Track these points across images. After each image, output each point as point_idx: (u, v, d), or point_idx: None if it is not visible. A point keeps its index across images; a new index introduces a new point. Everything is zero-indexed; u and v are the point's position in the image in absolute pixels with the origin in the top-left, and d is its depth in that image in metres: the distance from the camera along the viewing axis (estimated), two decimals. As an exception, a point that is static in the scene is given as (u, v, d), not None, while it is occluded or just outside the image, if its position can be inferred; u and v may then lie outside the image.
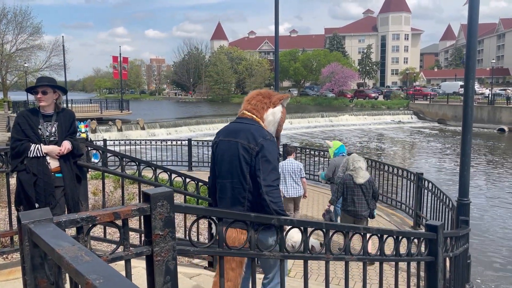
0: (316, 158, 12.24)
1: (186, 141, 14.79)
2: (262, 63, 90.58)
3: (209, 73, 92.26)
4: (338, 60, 75.00)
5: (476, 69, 5.90)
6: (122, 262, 1.77)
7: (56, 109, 3.82)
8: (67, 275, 1.22)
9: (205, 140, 16.50)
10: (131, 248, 1.77)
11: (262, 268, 3.02)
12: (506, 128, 35.75)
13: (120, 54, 41.16)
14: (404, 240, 3.16)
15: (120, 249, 1.78)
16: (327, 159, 10.91)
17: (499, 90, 55.25)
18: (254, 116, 2.92)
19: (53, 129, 3.75)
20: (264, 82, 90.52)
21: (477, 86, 60.55)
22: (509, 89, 54.08)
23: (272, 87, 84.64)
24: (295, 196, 7.65)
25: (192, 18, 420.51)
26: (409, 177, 8.77)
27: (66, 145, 3.71)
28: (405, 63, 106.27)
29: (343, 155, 7.68)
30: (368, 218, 6.42)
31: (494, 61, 72.33)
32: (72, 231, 3.49)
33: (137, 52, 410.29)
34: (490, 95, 40.93)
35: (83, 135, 13.29)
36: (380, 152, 26.64)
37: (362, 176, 6.23)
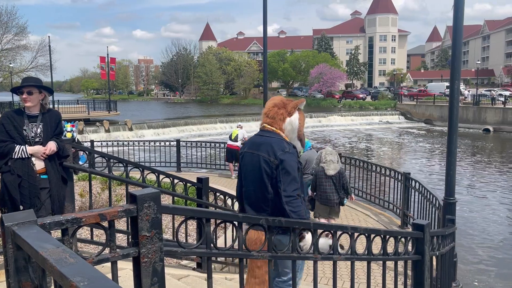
0: None
1: (175, 142, 14.73)
2: (251, 64, 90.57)
3: (197, 74, 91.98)
4: (326, 61, 75.37)
5: (461, 70, 5.98)
6: (110, 264, 1.75)
7: (42, 110, 3.77)
8: (52, 277, 1.21)
9: (194, 141, 16.46)
10: (117, 250, 1.75)
11: (280, 270, 3.08)
12: (491, 128, 36.29)
13: (107, 54, 40.81)
14: (392, 239, 3.18)
15: (107, 251, 1.76)
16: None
17: (485, 90, 56.04)
18: (274, 128, 3.11)
19: (39, 130, 3.69)
20: (253, 83, 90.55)
21: (462, 87, 61.35)
22: (494, 90, 54.90)
23: (261, 87, 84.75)
24: None
25: (180, 18, 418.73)
26: (396, 177, 8.85)
27: (51, 146, 3.66)
28: (392, 64, 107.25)
29: (310, 149, 8.30)
30: (340, 206, 7.10)
31: (479, 62, 73.49)
32: (58, 233, 3.46)
33: (124, 52, 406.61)
34: (475, 96, 41.50)
35: (69, 135, 13.13)
36: (369, 152, 26.84)
37: (333, 168, 6.78)
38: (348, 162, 10.76)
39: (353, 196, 7.67)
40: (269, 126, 3.13)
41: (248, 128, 31.92)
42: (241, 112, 51.86)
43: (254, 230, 2.50)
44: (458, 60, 5.68)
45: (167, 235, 6.30)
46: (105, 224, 1.75)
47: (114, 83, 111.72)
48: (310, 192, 7.29)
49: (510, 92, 54.48)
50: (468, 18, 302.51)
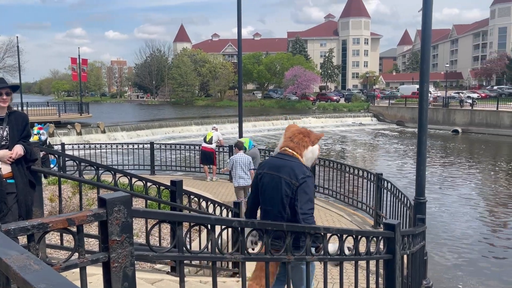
0: None
1: (149, 145, 14.54)
2: (226, 66, 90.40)
3: (172, 75, 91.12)
4: (301, 64, 76.03)
5: (431, 73, 6.13)
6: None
7: (8, 112, 3.65)
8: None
9: (168, 143, 16.29)
10: (86, 255, 1.71)
11: (292, 280, 3.15)
12: (459, 130, 37.42)
13: (79, 55, 39.92)
14: (364, 239, 3.24)
15: (75, 256, 1.72)
16: None
17: (454, 93, 57.75)
18: (295, 153, 3.34)
19: (5, 133, 3.58)
20: (228, 84, 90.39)
21: (432, 89, 63.00)
22: (462, 93, 56.63)
23: (236, 89, 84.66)
24: (244, 185, 8.90)
25: (153, 19, 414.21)
26: (369, 177, 9.00)
27: (18, 150, 3.55)
28: (365, 67, 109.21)
29: (254, 146, 9.69)
30: None
31: (448, 65, 75.46)
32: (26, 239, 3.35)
33: (97, 53, 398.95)
34: (444, 98, 42.71)
35: (35, 138, 12.75)
36: (344, 154, 27.21)
37: None
38: (322, 163, 10.87)
39: None
40: (290, 150, 3.36)
41: (224, 130, 31.94)
42: (216, 114, 51.68)
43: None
44: (427, 63, 5.84)
45: (141, 239, 6.21)
46: (74, 229, 1.71)
47: (86, 85, 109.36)
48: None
49: (478, 95, 56.35)
50: (437, 22, 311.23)
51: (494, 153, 26.71)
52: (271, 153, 10.86)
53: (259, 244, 2.93)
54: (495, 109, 36.18)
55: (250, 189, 8.71)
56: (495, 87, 69.94)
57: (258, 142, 31.04)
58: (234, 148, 9.61)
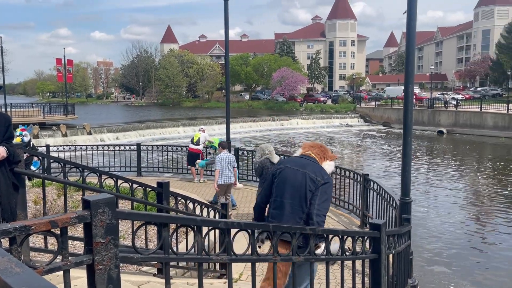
0: None
1: (135, 146, 14.44)
2: (214, 67, 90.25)
3: (159, 76, 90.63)
4: (288, 65, 76.28)
5: (417, 75, 6.21)
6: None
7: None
8: None
9: (155, 145, 16.19)
10: (70, 258, 1.70)
11: (298, 280, 3.24)
12: (444, 130, 37.94)
13: (64, 56, 39.45)
14: (350, 239, 3.26)
15: (59, 259, 1.71)
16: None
17: (439, 94, 58.51)
18: (317, 159, 3.64)
19: (-13, 135, 3.52)
20: (215, 86, 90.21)
21: (418, 91, 63.74)
22: (447, 94, 57.41)
23: (223, 90, 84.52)
24: (229, 182, 9.47)
25: (140, 20, 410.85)
26: (355, 178, 9.07)
27: (0, 152, 3.50)
28: (352, 69, 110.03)
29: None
30: None
31: (433, 67, 76.58)
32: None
33: (82, 54, 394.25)
34: (429, 99, 43.26)
35: (18, 140, 12.55)
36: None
37: (276, 157, 8.14)
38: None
39: None
40: (313, 156, 3.64)
41: (211, 132, 31.84)
42: (204, 115, 51.54)
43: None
44: (412, 65, 5.91)
45: (127, 241, 6.16)
46: (58, 231, 1.69)
47: (71, 86, 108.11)
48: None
49: (462, 96, 57.20)
50: (422, 24, 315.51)
51: (478, 154, 27.14)
52: (253, 153, 11.00)
53: (266, 242, 3.11)
54: (479, 110, 36.79)
55: (231, 185, 9.47)
56: (478, 89, 71.12)
57: (246, 144, 31.02)
58: (218, 147, 9.97)
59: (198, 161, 12.43)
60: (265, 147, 8.25)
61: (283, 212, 3.38)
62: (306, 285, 3.50)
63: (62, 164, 4.11)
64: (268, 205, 3.62)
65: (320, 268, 3.90)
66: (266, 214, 3.67)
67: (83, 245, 5.22)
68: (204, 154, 13.60)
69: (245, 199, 10.79)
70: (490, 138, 33.26)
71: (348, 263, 4.80)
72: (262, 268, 6.35)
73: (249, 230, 2.43)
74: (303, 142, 4.06)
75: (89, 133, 30.12)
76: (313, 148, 3.74)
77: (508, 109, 34.45)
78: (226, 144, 9.94)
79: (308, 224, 3.27)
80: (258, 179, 8.71)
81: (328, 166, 3.71)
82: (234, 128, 35.21)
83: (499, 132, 33.79)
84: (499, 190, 16.58)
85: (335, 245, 3.11)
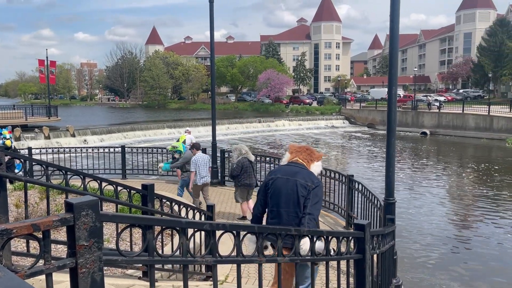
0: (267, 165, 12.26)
1: (120, 148, 14.30)
2: (199, 69, 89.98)
3: (144, 78, 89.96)
4: (274, 67, 76.51)
5: (400, 77, 6.30)
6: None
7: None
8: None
9: (140, 147, 16.06)
10: (52, 261, 1.68)
11: (300, 279, 3.42)
12: (428, 132, 38.50)
13: (46, 57, 38.87)
14: (335, 240, 3.28)
15: (41, 262, 1.68)
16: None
17: (422, 96, 59.36)
18: (305, 164, 3.85)
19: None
20: (201, 87, 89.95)
21: (402, 93, 64.57)
22: (430, 96, 58.25)
23: (209, 92, 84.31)
24: (207, 182, 9.81)
25: (125, 21, 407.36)
26: (341, 179, 9.14)
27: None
28: (337, 70, 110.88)
29: (188, 150, 10.57)
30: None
31: (416, 69, 77.61)
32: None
33: (66, 55, 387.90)
34: (413, 101, 43.87)
35: (8, 143, 12.34)
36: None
37: (252, 155, 8.91)
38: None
39: None
40: (301, 161, 3.87)
41: (197, 133, 31.73)
42: (190, 117, 51.34)
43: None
44: (395, 67, 5.99)
45: (112, 244, 6.10)
46: (39, 235, 1.67)
47: (54, 88, 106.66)
48: None
49: (445, 98, 58.13)
50: (405, 27, 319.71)
51: (461, 155, 27.61)
52: (230, 153, 11.04)
53: (269, 247, 3.31)
54: (461, 112, 37.43)
55: (208, 184, 9.87)
56: (461, 91, 72.38)
57: (232, 146, 30.96)
58: (192, 149, 10.14)
59: (160, 164, 12.33)
60: (241, 147, 8.77)
61: (281, 220, 3.62)
62: (307, 285, 3.67)
63: (44, 166, 4.05)
64: (265, 215, 3.87)
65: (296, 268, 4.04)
66: (264, 223, 3.90)
67: (66, 249, 5.15)
68: (170, 159, 13.31)
69: (228, 200, 10.76)
70: (472, 139, 33.87)
71: (333, 263, 4.83)
72: (248, 269, 6.35)
73: (235, 232, 2.43)
74: (290, 144, 4.23)
75: (73, 135, 29.73)
76: (299, 153, 3.94)
77: (489, 110, 35.15)
78: (199, 145, 10.27)
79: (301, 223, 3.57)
80: (233, 180, 9.23)
81: (316, 167, 3.93)
82: (220, 130, 35.12)
83: (481, 133, 34.43)
84: (481, 190, 16.90)
85: (321, 244, 3.18)
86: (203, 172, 9.63)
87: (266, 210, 3.87)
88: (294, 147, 4.09)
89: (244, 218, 9.29)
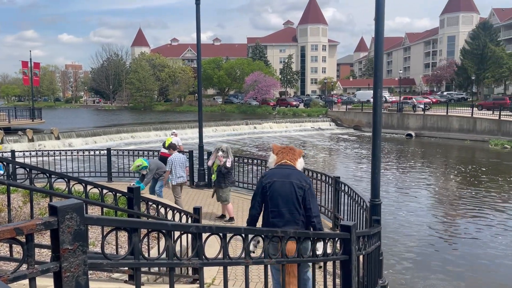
0: (255, 167, 12.25)
1: (105, 151, 14.16)
2: (186, 71, 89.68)
3: (130, 80, 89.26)
4: (261, 69, 76.68)
5: (386, 79, 6.37)
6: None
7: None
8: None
9: (126, 149, 15.92)
10: (36, 266, 1.66)
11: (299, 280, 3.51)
12: (413, 133, 38.97)
13: (30, 59, 38.32)
14: (321, 241, 3.30)
15: (24, 267, 1.66)
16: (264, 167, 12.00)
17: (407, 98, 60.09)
18: (293, 164, 4.28)
19: None
20: (188, 89, 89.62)
21: (387, 95, 65.28)
22: (415, 98, 58.99)
23: (196, 94, 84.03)
24: (182, 182, 9.89)
25: (110, 23, 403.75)
26: (327, 181, 9.19)
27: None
28: (323, 73, 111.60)
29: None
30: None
31: (401, 71, 78.53)
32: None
33: (50, 57, 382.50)
34: (398, 103, 44.38)
35: (0, 147, 12.14)
36: (305, 158, 27.54)
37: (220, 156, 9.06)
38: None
39: None
40: (290, 162, 4.28)
41: (184, 136, 31.58)
42: (176, 119, 51.09)
43: (291, 241, 3.11)
44: (380, 70, 6.06)
45: (97, 248, 6.03)
46: (23, 239, 1.65)
47: (38, 90, 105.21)
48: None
49: (429, 100, 58.94)
50: (390, 30, 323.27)
51: (446, 156, 28.01)
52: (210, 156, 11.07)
53: (259, 247, 3.38)
54: (445, 114, 37.99)
55: (183, 184, 10.07)
56: (445, 93, 73.46)
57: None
58: (168, 149, 10.32)
59: (132, 183, 12.12)
60: (227, 148, 9.15)
61: (283, 219, 4.02)
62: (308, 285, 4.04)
63: (28, 169, 4.00)
64: (261, 215, 4.26)
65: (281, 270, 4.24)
66: (263, 222, 4.24)
67: (50, 253, 5.07)
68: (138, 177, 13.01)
69: (215, 202, 10.69)
70: (456, 141, 34.40)
71: (320, 264, 4.85)
72: (235, 272, 6.35)
73: (221, 234, 2.43)
74: (272, 145, 4.60)
75: (57, 138, 29.31)
76: (285, 154, 4.33)
77: (472, 113, 35.76)
78: (175, 145, 10.56)
79: (309, 225, 4.10)
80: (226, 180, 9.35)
81: (300, 164, 4.38)
82: (207, 132, 35.01)
83: (465, 135, 34.99)
84: (466, 191, 17.16)
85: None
86: (180, 171, 9.74)
87: (262, 210, 4.24)
88: (278, 147, 4.47)
89: (231, 219, 9.32)
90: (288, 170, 4.18)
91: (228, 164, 9.19)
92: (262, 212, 4.24)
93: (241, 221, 9.32)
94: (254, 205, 4.20)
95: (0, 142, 12.43)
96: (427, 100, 56.40)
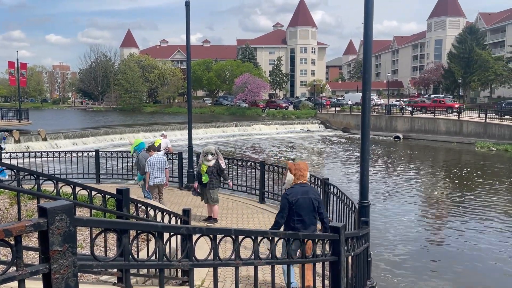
0: (245, 169, 12.23)
1: (94, 152, 14.04)
2: (175, 72, 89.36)
3: (118, 81, 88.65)
4: (250, 71, 76.72)
5: (374, 82, 6.44)
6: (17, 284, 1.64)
7: None
8: None
9: (115, 151, 15.80)
10: (25, 268, 1.65)
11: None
12: (401, 136, 39.36)
13: (17, 59, 37.83)
14: (310, 243, 3.33)
15: (13, 269, 1.65)
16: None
17: (395, 101, 60.65)
18: (306, 180, 5.61)
19: None
20: (177, 91, 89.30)
21: (376, 97, 65.81)
22: (403, 101, 59.57)
23: (185, 96, 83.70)
24: (159, 183, 9.85)
25: (99, 24, 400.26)
26: (316, 182, 9.23)
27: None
28: (312, 75, 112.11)
29: (144, 150, 10.40)
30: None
31: (389, 74, 79.31)
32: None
33: (37, 58, 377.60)
34: (386, 106, 44.80)
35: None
36: (294, 160, 27.66)
37: (211, 159, 9.09)
38: (271, 169, 11.04)
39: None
40: (305, 181, 5.58)
41: (173, 137, 31.45)
42: (165, 121, 50.83)
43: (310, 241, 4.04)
44: (369, 73, 6.12)
45: (86, 250, 5.98)
46: (11, 241, 1.64)
47: (25, 90, 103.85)
48: (196, 184, 9.50)
49: (458, 104, 59.16)
50: (378, 33, 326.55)
51: (433, 158, 28.33)
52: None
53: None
54: (433, 116, 38.43)
55: (162, 187, 10.11)
56: (432, 96, 74.34)
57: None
58: (148, 151, 10.18)
59: (135, 178, 12.07)
60: (215, 149, 9.20)
61: (305, 224, 5.34)
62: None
63: (15, 171, 3.96)
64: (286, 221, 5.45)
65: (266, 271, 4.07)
66: (286, 227, 5.43)
67: (37, 256, 5.01)
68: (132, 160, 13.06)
69: (225, 212, 10.66)
70: (443, 143, 34.81)
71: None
72: (224, 273, 6.34)
73: (211, 235, 2.44)
74: (288, 164, 5.73)
75: (45, 139, 28.98)
76: (300, 174, 5.53)
77: (459, 115, 36.24)
78: (155, 147, 10.62)
79: (324, 226, 5.49)
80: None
81: (308, 174, 5.75)
82: (196, 134, 34.92)
83: (451, 137, 35.43)
84: (453, 193, 17.38)
85: None
86: (156, 173, 9.71)
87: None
88: (293, 167, 5.61)
89: (215, 220, 9.34)
90: (306, 188, 5.48)
91: (223, 165, 9.19)
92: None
93: (224, 223, 9.34)
94: (283, 216, 5.39)
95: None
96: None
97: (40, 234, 1.67)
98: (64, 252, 1.67)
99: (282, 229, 5.41)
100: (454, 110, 40.88)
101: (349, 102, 59.53)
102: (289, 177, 5.54)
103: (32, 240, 5.79)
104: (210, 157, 9.04)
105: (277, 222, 5.45)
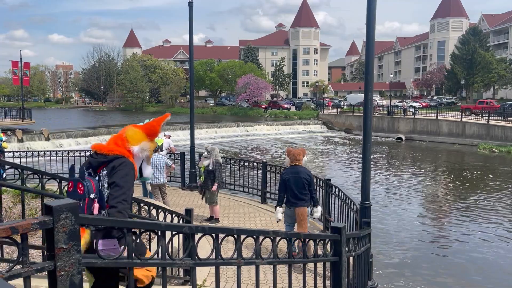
0: (247, 170, 12.27)
1: (96, 152, 14.07)
2: (178, 72, 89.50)
3: (121, 81, 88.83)
4: (253, 72, 76.76)
5: (377, 83, 6.48)
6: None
7: None
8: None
9: (117, 151, 15.83)
10: (30, 265, 1.68)
11: None
12: (403, 137, 39.30)
13: (20, 58, 37.94)
14: (311, 242, 3.35)
15: (19, 266, 1.68)
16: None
17: (398, 102, 60.59)
18: (301, 164, 6.95)
19: None
20: (179, 91, 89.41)
21: (378, 99, 65.76)
22: (405, 102, 59.50)
23: (188, 96, 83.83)
24: (157, 184, 9.85)
25: (101, 24, 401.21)
26: (318, 183, 9.24)
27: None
28: (315, 76, 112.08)
29: None
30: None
31: (392, 75, 79.22)
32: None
33: (40, 57, 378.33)
34: (389, 107, 44.75)
35: (5, 145, 11.97)
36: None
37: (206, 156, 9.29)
38: (273, 170, 11.07)
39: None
40: (299, 164, 6.89)
41: (175, 137, 31.47)
42: (168, 121, 50.76)
43: (303, 207, 6.83)
44: (371, 74, 6.14)
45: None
46: (18, 238, 1.67)
47: (28, 90, 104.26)
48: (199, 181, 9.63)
49: (419, 104, 59.49)
50: (381, 34, 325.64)
51: (436, 160, 28.28)
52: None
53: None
54: (435, 118, 38.37)
55: (164, 186, 10.14)
56: (435, 97, 74.20)
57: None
58: None
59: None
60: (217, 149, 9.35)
61: (297, 197, 6.75)
62: None
63: (20, 170, 3.99)
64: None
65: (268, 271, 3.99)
66: (286, 200, 6.91)
67: (39, 254, 5.04)
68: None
69: (227, 211, 10.65)
70: (446, 145, 34.75)
71: (310, 265, 4.90)
72: (226, 273, 6.37)
73: (213, 235, 2.46)
74: (287, 149, 7.12)
75: (47, 139, 29.06)
76: (295, 159, 6.93)
77: (461, 117, 36.16)
78: (157, 147, 10.49)
79: (312, 199, 6.91)
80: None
81: (305, 160, 7.04)
82: (199, 134, 34.98)
83: (454, 139, 35.37)
84: (455, 195, 17.36)
85: (319, 209, 7.22)
86: (156, 173, 9.76)
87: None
88: (291, 152, 6.97)
89: (217, 220, 9.36)
90: (298, 169, 6.81)
91: (210, 167, 9.06)
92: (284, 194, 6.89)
93: (226, 223, 9.36)
94: (281, 190, 6.89)
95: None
96: (417, 104, 55.58)
97: (46, 232, 1.69)
98: (69, 249, 1.70)
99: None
100: (497, 110, 40.16)
101: (345, 104, 59.66)
102: (286, 160, 7.02)
103: (35, 238, 5.83)
104: (205, 153, 9.09)
105: (279, 195, 7.05)
